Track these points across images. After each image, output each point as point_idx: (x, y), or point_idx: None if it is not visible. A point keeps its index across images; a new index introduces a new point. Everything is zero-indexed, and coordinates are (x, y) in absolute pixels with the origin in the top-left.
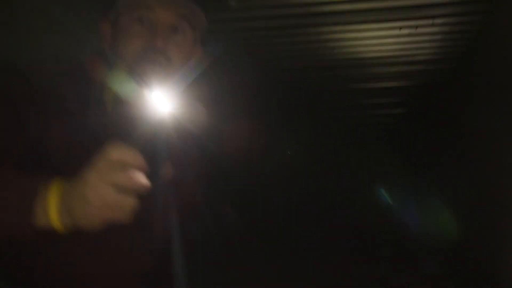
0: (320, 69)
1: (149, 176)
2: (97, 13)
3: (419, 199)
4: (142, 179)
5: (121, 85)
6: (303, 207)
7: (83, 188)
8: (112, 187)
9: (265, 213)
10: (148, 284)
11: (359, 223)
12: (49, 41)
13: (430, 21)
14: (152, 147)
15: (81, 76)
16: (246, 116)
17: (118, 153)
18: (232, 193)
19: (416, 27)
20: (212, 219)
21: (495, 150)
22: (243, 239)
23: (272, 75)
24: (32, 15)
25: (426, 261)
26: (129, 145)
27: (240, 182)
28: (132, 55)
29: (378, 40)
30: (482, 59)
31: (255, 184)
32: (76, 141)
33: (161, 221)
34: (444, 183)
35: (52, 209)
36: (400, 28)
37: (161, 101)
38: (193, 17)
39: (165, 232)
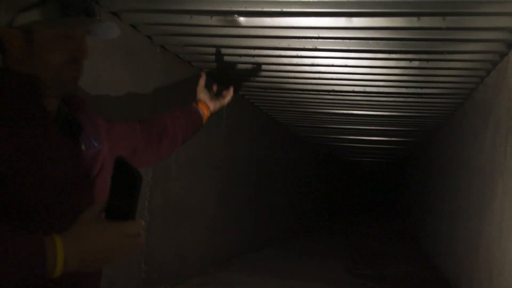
0: (320, 92)
1: None
2: None
3: None
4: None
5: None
6: None
7: (100, 243)
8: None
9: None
10: None
11: None
12: None
13: (442, 56)
14: None
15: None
16: None
17: (132, 231)
18: None
19: (428, 60)
20: None
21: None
22: None
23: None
24: None
25: None
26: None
27: None
28: (55, 66)
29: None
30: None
31: None
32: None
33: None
34: None
35: (60, 260)
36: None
37: None
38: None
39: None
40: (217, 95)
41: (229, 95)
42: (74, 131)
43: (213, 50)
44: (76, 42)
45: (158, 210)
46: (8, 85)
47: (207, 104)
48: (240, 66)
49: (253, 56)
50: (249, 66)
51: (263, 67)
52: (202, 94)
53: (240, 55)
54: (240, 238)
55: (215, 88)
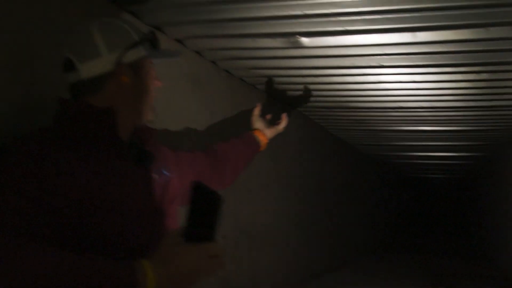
0: (386, 110)
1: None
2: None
3: None
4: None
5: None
6: None
7: (188, 265)
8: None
9: None
10: None
11: None
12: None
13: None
14: None
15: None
16: None
17: (214, 252)
18: None
19: (497, 71)
20: None
21: None
22: None
23: None
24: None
25: None
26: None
27: None
28: (153, 95)
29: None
30: None
31: None
32: (113, 190)
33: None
34: None
35: (151, 285)
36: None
37: None
38: None
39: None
40: (272, 123)
41: (284, 121)
42: (147, 161)
43: (277, 72)
44: (154, 72)
45: (230, 234)
46: (87, 117)
47: (263, 132)
48: (304, 86)
49: (317, 76)
50: (314, 86)
51: (327, 86)
52: (258, 123)
53: (304, 76)
54: (313, 260)
55: (268, 117)
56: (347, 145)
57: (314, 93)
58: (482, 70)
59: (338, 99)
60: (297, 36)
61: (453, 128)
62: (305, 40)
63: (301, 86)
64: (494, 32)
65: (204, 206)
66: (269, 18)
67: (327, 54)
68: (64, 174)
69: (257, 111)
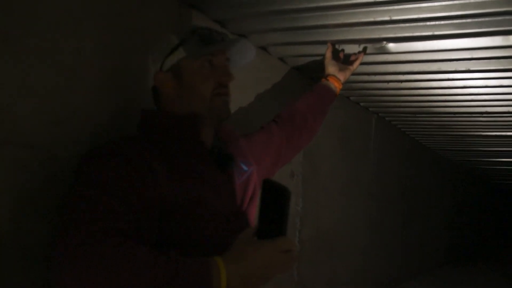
0: (472, 115)
1: None
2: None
3: None
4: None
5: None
6: None
7: (261, 262)
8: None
9: None
10: None
11: None
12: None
13: None
14: None
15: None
16: None
17: (285, 246)
18: None
19: None
20: None
21: None
22: None
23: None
24: None
25: None
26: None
27: None
28: (207, 94)
29: None
30: None
31: None
32: (194, 191)
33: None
34: None
35: (224, 280)
36: None
37: None
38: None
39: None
40: (345, 63)
41: (358, 60)
42: (228, 164)
43: (360, 77)
44: (219, 68)
45: (309, 240)
46: (169, 125)
47: (337, 77)
48: (388, 92)
49: (402, 81)
50: (397, 91)
51: (412, 92)
52: (331, 67)
53: (388, 81)
54: (392, 268)
55: (342, 55)
56: (429, 151)
57: (397, 98)
58: None
59: (422, 104)
60: (384, 42)
61: None
62: (391, 46)
63: (385, 92)
64: None
65: (274, 202)
66: (355, 25)
67: (413, 59)
68: (150, 176)
69: (329, 53)
